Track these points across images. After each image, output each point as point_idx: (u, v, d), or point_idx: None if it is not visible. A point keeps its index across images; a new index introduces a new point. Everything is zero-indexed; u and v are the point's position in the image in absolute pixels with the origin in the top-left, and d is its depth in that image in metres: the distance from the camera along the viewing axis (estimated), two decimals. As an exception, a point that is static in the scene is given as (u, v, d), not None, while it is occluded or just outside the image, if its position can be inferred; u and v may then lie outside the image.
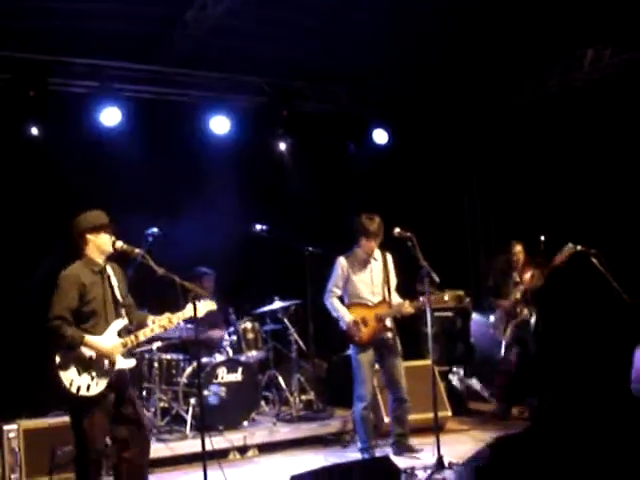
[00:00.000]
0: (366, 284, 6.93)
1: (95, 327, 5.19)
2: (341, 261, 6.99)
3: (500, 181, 10.67)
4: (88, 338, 5.11)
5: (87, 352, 5.12)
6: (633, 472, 1.95)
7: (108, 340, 5.21)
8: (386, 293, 6.93)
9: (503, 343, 8.25)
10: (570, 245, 7.30)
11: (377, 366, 7.07)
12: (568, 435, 1.97)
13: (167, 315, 5.45)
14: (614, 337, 1.88)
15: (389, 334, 6.92)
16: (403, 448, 6.97)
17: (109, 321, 5.25)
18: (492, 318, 8.41)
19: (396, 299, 6.96)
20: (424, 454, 6.69)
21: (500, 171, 10.61)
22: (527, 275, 8.14)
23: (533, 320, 7.89)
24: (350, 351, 6.96)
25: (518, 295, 8.16)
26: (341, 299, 7.02)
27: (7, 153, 8.14)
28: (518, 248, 8.29)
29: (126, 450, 5.24)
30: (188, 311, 5.46)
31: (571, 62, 9.01)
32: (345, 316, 6.85)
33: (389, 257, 7.04)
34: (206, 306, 5.58)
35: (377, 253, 7.00)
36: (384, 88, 9.77)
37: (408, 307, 6.81)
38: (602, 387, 1.88)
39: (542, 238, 7.90)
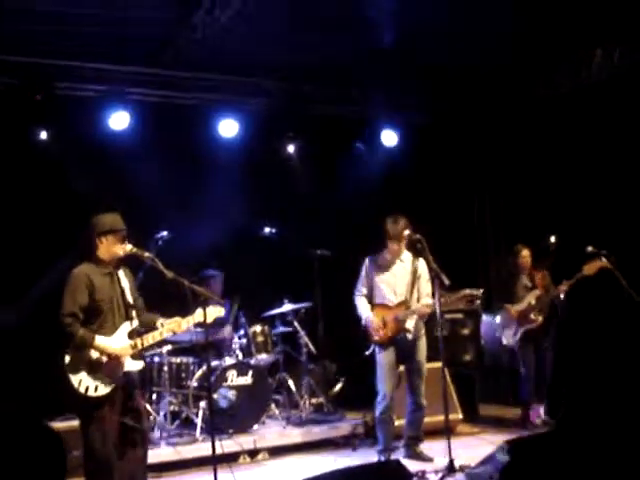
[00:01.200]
0: (389, 285, 6.96)
1: (103, 328, 5.21)
2: (365, 262, 7.10)
3: (510, 182, 10.61)
4: (98, 339, 5.12)
5: (95, 354, 5.12)
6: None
7: (117, 342, 5.21)
8: (408, 296, 6.93)
9: (509, 347, 8.17)
10: (602, 260, 7.23)
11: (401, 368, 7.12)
12: (587, 439, 1.95)
13: (176, 319, 5.47)
14: (632, 343, 1.87)
15: (409, 336, 6.92)
16: (414, 453, 6.96)
17: (117, 323, 5.27)
18: (498, 320, 8.29)
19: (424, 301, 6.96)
20: (435, 457, 6.66)
21: (510, 172, 10.56)
22: (538, 277, 8.07)
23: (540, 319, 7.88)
24: (373, 351, 6.97)
25: (533, 301, 8.01)
26: (370, 299, 7.05)
27: (14, 158, 8.15)
28: (525, 252, 8.17)
29: (126, 454, 5.24)
30: (197, 316, 5.47)
31: (580, 62, 8.96)
32: (364, 313, 6.94)
33: (422, 263, 6.98)
34: (215, 312, 5.58)
35: (406, 256, 7.02)
36: (393, 90, 9.74)
37: (423, 307, 6.84)
38: (620, 392, 1.86)
39: (552, 239, 7.88)
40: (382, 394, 6.86)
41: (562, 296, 7.72)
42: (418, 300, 6.95)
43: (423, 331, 7.06)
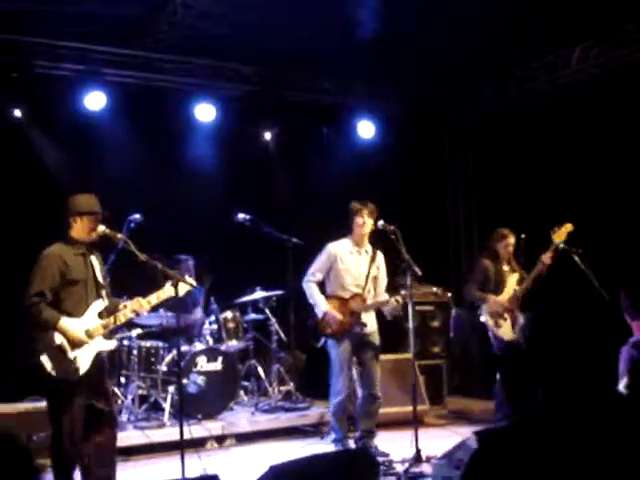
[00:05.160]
0: (351, 275, 6.86)
1: (75, 308, 5.17)
2: (330, 247, 6.93)
3: (484, 177, 10.69)
4: (62, 322, 5.06)
5: (58, 338, 5.07)
6: (624, 467, 1.95)
7: (88, 322, 5.18)
8: (366, 288, 6.88)
9: (514, 341, 7.37)
10: (567, 227, 7.15)
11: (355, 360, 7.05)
12: (561, 429, 1.97)
13: (147, 298, 5.42)
14: (599, 337, 1.90)
15: (364, 329, 6.84)
16: (369, 445, 6.83)
17: (90, 302, 5.23)
18: (487, 320, 7.51)
19: (383, 297, 6.93)
20: (404, 447, 6.68)
21: (484, 167, 10.64)
22: (516, 274, 7.62)
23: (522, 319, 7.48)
24: (326, 344, 6.87)
25: (516, 286, 7.49)
26: (322, 286, 6.95)
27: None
28: (512, 239, 7.68)
29: (94, 436, 5.22)
30: (167, 290, 5.41)
31: (558, 60, 9.02)
32: (321, 305, 6.79)
33: (380, 255, 6.98)
34: (185, 287, 5.53)
35: (368, 247, 6.96)
36: (371, 81, 9.75)
37: (387, 301, 6.78)
38: (591, 386, 1.89)
39: (522, 236, 7.81)
40: (338, 387, 6.76)
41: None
42: (375, 294, 6.92)
43: (376, 324, 6.99)
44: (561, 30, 8.23)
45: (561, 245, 7.20)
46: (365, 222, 6.80)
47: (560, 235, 7.20)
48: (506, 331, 7.45)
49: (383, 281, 6.98)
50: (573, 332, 2.10)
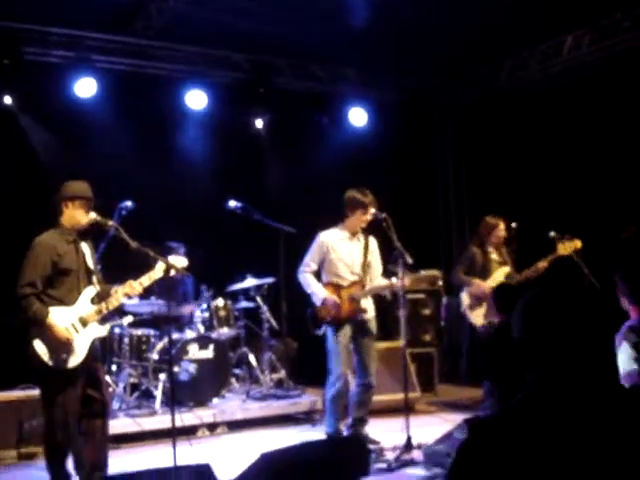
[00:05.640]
0: (345, 263, 6.78)
1: (68, 296, 5.16)
2: (321, 237, 6.83)
3: (476, 165, 10.71)
4: (52, 315, 5.03)
5: (50, 333, 5.04)
6: (621, 454, 1.96)
7: (80, 310, 5.16)
8: (363, 275, 6.82)
9: (479, 328, 7.53)
10: (575, 242, 7.09)
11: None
12: (555, 415, 1.98)
13: (139, 280, 5.38)
14: (592, 322, 1.90)
15: (364, 316, 6.80)
16: (360, 433, 6.76)
17: (82, 289, 5.22)
18: (465, 298, 7.66)
19: (377, 282, 6.90)
20: (395, 434, 6.70)
21: (476, 155, 10.65)
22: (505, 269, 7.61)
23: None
24: (325, 331, 6.76)
25: (502, 279, 7.49)
26: (317, 276, 6.90)
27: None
28: (503, 226, 7.65)
29: (87, 424, 5.22)
30: (158, 271, 5.38)
31: (550, 48, 9.03)
32: (320, 292, 6.70)
33: (372, 240, 6.92)
34: (179, 262, 5.50)
35: (360, 234, 6.91)
36: (362, 68, 9.74)
37: (382, 287, 6.79)
38: (585, 372, 1.89)
39: (513, 225, 7.80)
40: (336, 375, 6.64)
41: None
42: (371, 280, 6.88)
43: (374, 311, 6.94)
44: (553, 19, 8.23)
45: (552, 233, 7.21)
46: (369, 218, 6.78)
47: (566, 249, 7.14)
48: (477, 317, 7.56)
49: (378, 267, 6.95)
50: (566, 317, 2.11)
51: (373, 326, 6.88)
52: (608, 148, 8.67)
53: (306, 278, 6.81)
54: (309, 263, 6.83)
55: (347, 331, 6.71)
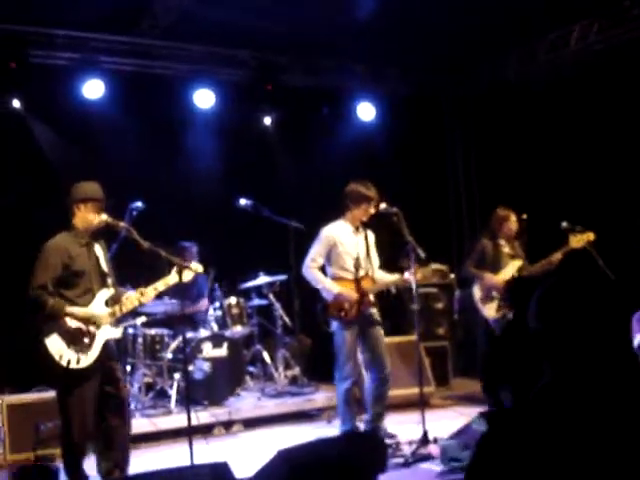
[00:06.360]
0: (352, 256, 6.70)
1: (82, 298, 5.17)
2: (327, 231, 6.75)
3: (485, 157, 10.66)
4: (70, 307, 5.06)
5: (72, 323, 5.07)
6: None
7: (95, 310, 5.18)
8: (369, 267, 6.79)
9: (492, 320, 7.43)
10: (588, 234, 7.06)
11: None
12: (574, 406, 1.96)
13: (154, 285, 5.40)
14: (608, 312, 1.88)
15: (374, 309, 6.78)
16: (378, 428, 6.72)
17: (95, 292, 5.23)
18: (477, 292, 7.53)
19: (380, 275, 6.89)
20: (411, 429, 6.68)
21: (486, 146, 10.60)
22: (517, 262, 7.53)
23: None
24: (333, 328, 6.70)
25: (515, 272, 7.43)
26: (323, 271, 6.80)
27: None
28: (514, 218, 7.58)
29: (107, 421, 5.23)
30: (173, 277, 5.39)
31: (559, 38, 8.98)
32: (332, 287, 6.59)
33: (370, 233, 6.90)
34: (190, 273, 5.51)
35: (360, 227, 6.83)
36: (370, 63, 9.71)
37: (397, 280, 6.73)
38: (603, 361, 1.88)
39: (524, 216, 7.75)
40: (346, 372, 6.58)
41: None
42: (372, 273, 6.82)
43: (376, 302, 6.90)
44: (561, 8, 8.18)
45: (564, 224, 7.17)
46: (373, 211, 6.71)
47: (579, 241, 7.08)
48: (490, 310, 7.46)
49: (376, 260, 6.93)
50: (582, 306, 2.09)
51: (377, 316, 6.83)
52: (618, 137, 8.61)
53: (314, 273, 6.71)
54: (315, 258, 6.72)
55: (355, 327, 6.65)
